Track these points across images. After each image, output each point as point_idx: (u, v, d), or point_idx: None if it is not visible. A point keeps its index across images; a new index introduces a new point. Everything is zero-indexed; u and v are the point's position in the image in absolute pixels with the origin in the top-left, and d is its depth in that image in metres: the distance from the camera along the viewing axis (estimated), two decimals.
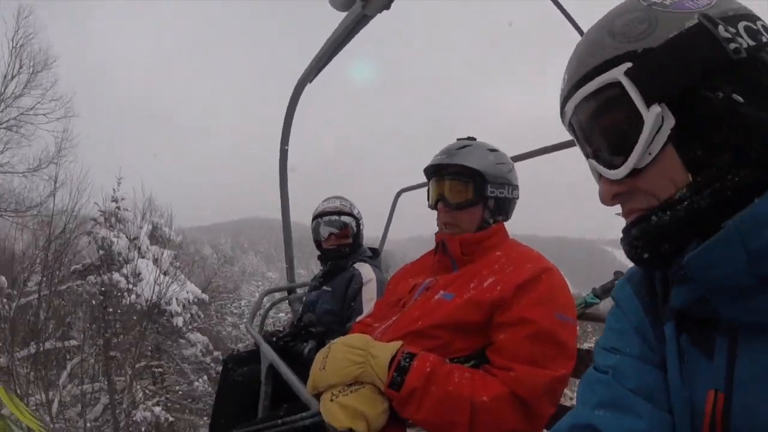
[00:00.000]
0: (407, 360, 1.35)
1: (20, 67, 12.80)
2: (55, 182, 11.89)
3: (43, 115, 13.07)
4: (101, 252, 11.49)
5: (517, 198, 1.74)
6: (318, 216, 2.78)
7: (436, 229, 1.76)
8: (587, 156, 0.73)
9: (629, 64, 0.63)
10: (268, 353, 1.90)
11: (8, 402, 1.20)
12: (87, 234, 11.85)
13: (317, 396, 1.41)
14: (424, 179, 1.80)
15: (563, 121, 0.76)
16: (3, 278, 9.80)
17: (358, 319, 2.29)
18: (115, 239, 11.64)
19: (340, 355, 1.39)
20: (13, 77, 12.70)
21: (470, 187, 1.64)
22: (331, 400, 1.33)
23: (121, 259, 11.62)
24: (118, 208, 12.13)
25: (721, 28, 0.59)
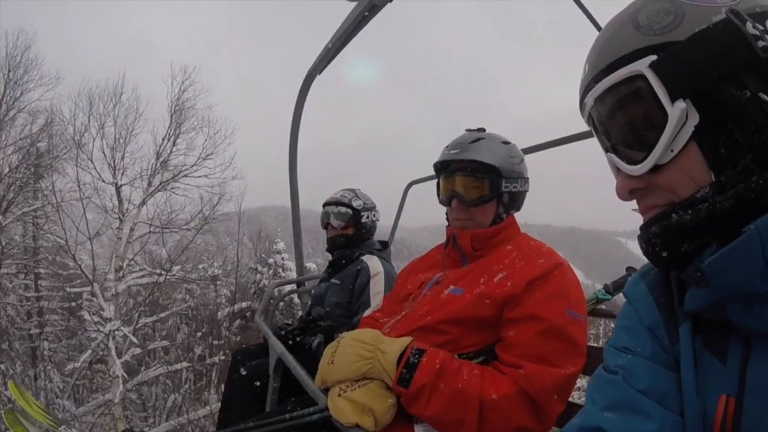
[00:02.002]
0: (416, 356, 1.34)
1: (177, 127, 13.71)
2: None
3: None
4: None
5: (528, 190, 1.71)
6: (323, 205, 2.86)
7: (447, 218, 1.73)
8: (606, 150, 0.70)
9: (654, 57, 0.60)
10: (277, 347, 1.90)
11: (18, 396, 1.21)
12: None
13: (325, 391, 1.41)
14: (428, 171, 1.76)
15: (582, 113, 0.73)
16: None
17: (366, 313, 2.28)
18: None
19: (349, 350, 1.37)
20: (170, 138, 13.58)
21: (485, 183, 1.60)
22: (339, 395, 1.33)
23: None
24: None
25: (749, 24, 0.56)
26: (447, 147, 1.67)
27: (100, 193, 12.75)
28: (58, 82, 13.91)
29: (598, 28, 2.33)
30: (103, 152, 12.88)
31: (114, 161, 12.91)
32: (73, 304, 12.82)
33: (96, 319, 11.23)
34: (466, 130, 1.73)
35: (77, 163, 12.53)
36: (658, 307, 0.72)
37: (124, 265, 12.24)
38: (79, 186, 12.35)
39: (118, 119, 13.43)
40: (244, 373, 2.24)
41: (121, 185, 12.84)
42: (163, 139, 13.54)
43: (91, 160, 12.66)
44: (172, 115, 13.72)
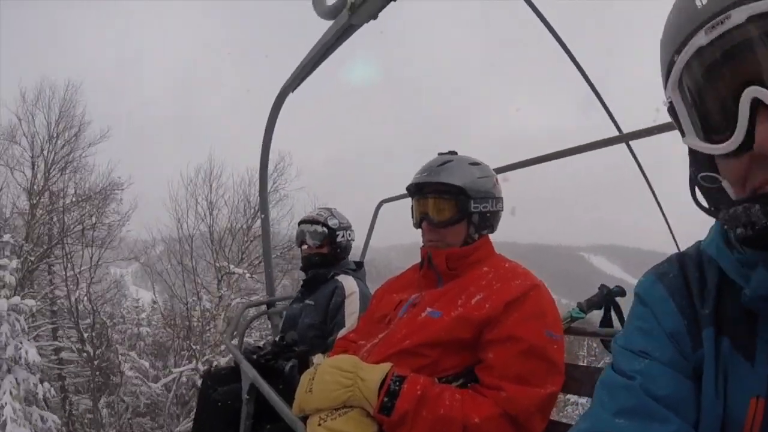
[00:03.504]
0: (397, 383, 1.33)
1: None
2: None
3: None
4: None
5: (502, 210, 1.73)
6: (299, 223, 2.85)
7: (417, 236, 1.74)
8: (750, 83, 0.54)
9: None
10: (249, 371, 1.85)
11: None
12: None
13: (303, 418, 1.38)
14: (403, 190, 1.77)
15: (713, 32, 0.56)
16: None
17: (341, 333, 2.25)
18: None
19: (328, 378, 1.35)
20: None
21: (453, 205, 1.62)
22: (319, 425, 1.30)
23: None
24: None
25: None
26: (418, 171, 1.70)
27: None
28: None
29: (567, 52, 2.40)
30: None
31: None
32: None
33: None
34: (438, 153, 1.75)
35: None
36: (680, 312, 0.70)
37: None
38: None
39: None
40: (216, 398, 2.16)
41: None
42: None
43: None
44: None
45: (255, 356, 2.10)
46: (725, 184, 0.61)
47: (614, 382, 0.70)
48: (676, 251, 0.79)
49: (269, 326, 3.79)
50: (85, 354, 13.93)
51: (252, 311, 3.74)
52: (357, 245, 2.95)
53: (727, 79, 0.56)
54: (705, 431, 0.63)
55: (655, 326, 0.71)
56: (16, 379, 9.29)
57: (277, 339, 2.42)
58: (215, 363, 12.55)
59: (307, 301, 2.60)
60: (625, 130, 2.59)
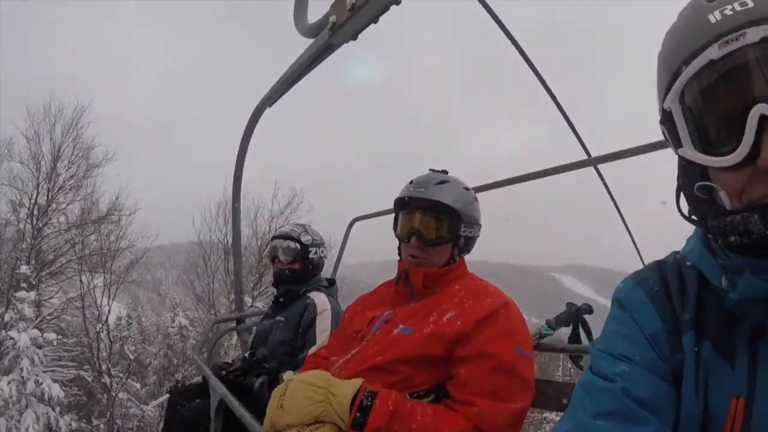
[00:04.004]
0: (369, 399, 1.33)
1: None
2: None
3: None
4: None
5: (479, 236, 1.75)
6: (272, 238, 2.83)
7: (387, 254, 1.73)
8: (759, 100, 0.57)
9: None
10: (218, 388, 1.81)
11: None
12: None
13: None
14: (378, 209, 1.77)
15: (727, 47, 0.59)
16: None
17: (312, 350, 2.23)
18: None
19: (300, 393, 1.34)
20: None
21: (446, 225, 1.62)
22: None
23: None
24: None
25: None
26: (411, 183, 1.68)
27: None
28: None
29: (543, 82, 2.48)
30: None
31: None
32: None
33: None
34: (430, 170, 1.76)
35: None
36: (660, 317, 0.72)
37: None
38: None
39: None
40: (184, 414, 2.10)
41: None
42: None
43: None
44: None
45: (224, 372, 2.06)
46: (723, 194, 0.63)
47: (595, 385, 0.71)
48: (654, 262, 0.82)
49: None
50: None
51: (222, 327, 3.67)
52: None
53: (735, 94, 0.59)
54: (684, 428, 0.65)
55: (635, 330, 0.73)
56: (35, 413, 8.97)
57: (246, 355, 2.38)
58: (181, 377, 12.33)
59: (278, 318, 2.57)
60: (595, 152, 2.68)
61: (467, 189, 1.71)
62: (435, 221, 1.63)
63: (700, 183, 0.65)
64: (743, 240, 0.59)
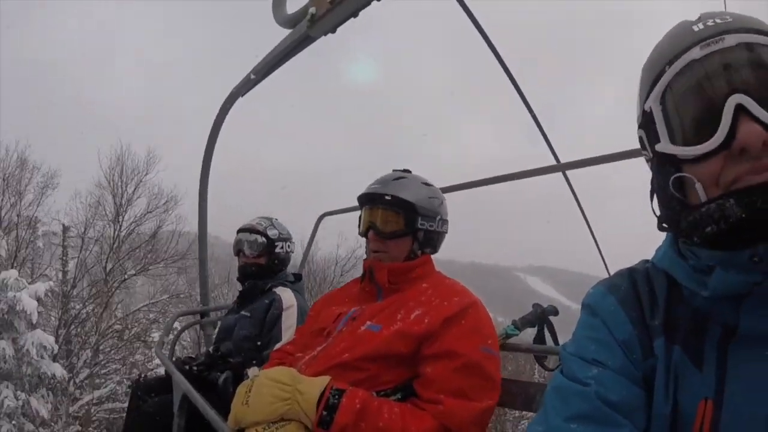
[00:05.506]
0: (336, 397, 1.32)
1: None
2: None
3: None
4: None
5: (446, 232, 1.78)
6: (237, 231, 2.75)
7: (354, 250, 1.75)
8: (735, 91, 0.62)
9: None
10: (182, 383, 1.76)
11: None
12: None
13: (239, 431, 1.35)
14: (347, 205, 1.78)
15: (708, 48, 0.66)
16: None
17: (277, 346, 2.20)
18: None
19: (266, 390, 1.33)
20: None
21: (402, 218, 1.66)
22: None
23: None
24: None
25: None
26: (372, 183, 1.73)
27: None
28: None
29: (515, 85, 2.51)
30: None
31: None
32: None
33: None
34: (393, 170, 1.80)
35: None
36: (631, 322, 0.73)
37: None
38: None
39: None
40: (146, 409, 2.05)
41: None
42: None
43: None
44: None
45: (188, 367, 2.02)
46: (698, 186, 0.65)
47: (567, 388, 0.71)
48: (607, 274, 0.83)
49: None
50: None
51: (185, 320, 3.59)
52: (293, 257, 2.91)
53: (714, 90, 0.64)
54: (655, 429, 0.66)
55: (607, 336, 0.74)
56: None
57: (210, 350, 2.34)
58: (142, 373, 12.04)
59: (243, 312, 2.52)
60: (564, 157, 2.72)
61: (427, 185, 1.75)
62: (391, 215, 1.66)
63: (676, 174, 0.68)
64: (720, 227, 0.61)
